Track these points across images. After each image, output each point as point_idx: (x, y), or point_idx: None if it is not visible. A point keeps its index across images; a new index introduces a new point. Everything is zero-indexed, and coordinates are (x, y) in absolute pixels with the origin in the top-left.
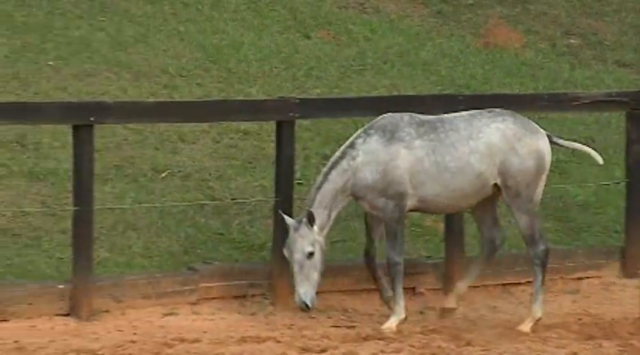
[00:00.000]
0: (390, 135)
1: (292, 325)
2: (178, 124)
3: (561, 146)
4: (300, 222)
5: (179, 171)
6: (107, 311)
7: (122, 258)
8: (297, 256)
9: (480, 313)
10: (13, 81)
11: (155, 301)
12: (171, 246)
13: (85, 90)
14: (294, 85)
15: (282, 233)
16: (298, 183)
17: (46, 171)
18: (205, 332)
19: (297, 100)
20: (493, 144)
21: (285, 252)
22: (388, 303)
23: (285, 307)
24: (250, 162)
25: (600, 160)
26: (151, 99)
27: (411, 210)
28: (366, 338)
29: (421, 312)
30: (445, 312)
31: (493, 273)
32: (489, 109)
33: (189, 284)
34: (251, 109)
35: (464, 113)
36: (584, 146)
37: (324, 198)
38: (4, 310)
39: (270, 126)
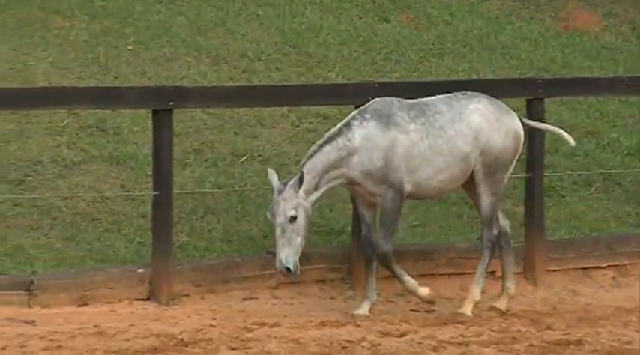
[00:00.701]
0: (387, 120)
1: (372, 309)
2: (257, 109)
3: (531, 127)
4: (285, 184)
5: (258, 155)
6: (187, 296)
7: (201, 242)
8: (279, 219)
9: (560, 297)
10: (93, 65)
11: (235, 285)
12: (250, 231)
13: (164, 75)
14: (374, 68)
15: (357, 217)
16: None
17: (125, 155)
18: (285, 316)
19: (377, 84)
20: (476, 124)
21: (268, 215)
22: (370, 300)
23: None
24: None
25: (572, 142)
26: (230, 84)
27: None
28: (445, 322)
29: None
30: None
31: (573, 257)
32: (462, 92)
33: (269, 269)
34: (330, 93)
35: (439, 96)
36: (555, 127)
37: (315, 166)
38: (84, 294)
39: (350, 110)
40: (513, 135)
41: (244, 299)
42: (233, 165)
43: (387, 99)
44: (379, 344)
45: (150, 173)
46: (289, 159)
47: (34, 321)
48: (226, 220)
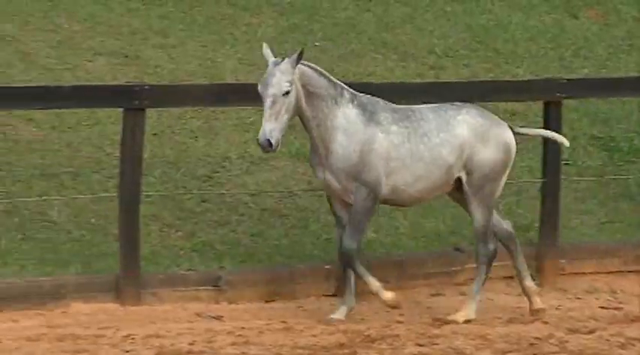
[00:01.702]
0: (370, 116)
1: (560, 306)
2: None
3: (525, 135)
4: (282, 59)
5: None
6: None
7: (388, 238)
8: (272, 90)
9: None
10: None
11: (421, 281)
12: (437, 227)
13: (352, 71)
14: (562, 64)
15: (548, 213)
16: (565, 164)
17: None
18: None
19: (565, 80)
20: (462, 136)
21: (259, 88)
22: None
23: (552, 288)
24: (518, 143)
25: (566, 143)
26: (418, 80)
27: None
28: (634, 320)
29: None
30: (536, 313)
31: None
32: (451, 103)
33: (456, 265)
34: (518, 89)
35: (428, 105)
36: (547, 131)
37: (318, 80)
38: (271, 290)
39: (538, 106)
40: (503, 148)
41: (431, 295)
42: None
43: (373, 98)
44: (567, 341)
45: None
46: None
47: (221, 317)
48: (413, 217)
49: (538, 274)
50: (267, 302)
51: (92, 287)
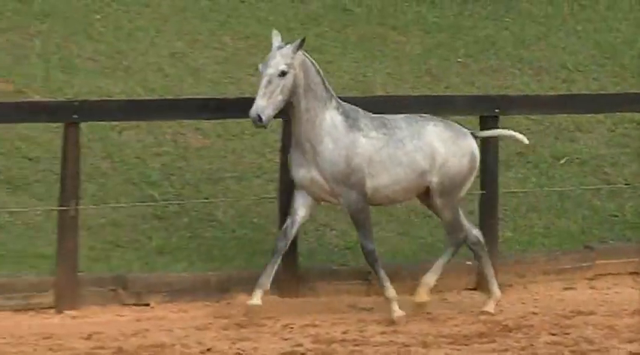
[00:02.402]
0: (352, 123)
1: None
2: (576, 115)
3: (486, 137)
4: (287, 44)
5: (577, 158)
6: (510, 286)
7: (524, 237)
8: (270, 70)
9: None
10: (426, 76)
11: (555, 276)
12: (569, 227)
13: (491, 85)
14: None
15: None
16: None
17: None
18: (601, 305)
19: None
20: (433, 145)
21: (260, 67)
22: (262, 287)
23: None
24: None
25: (525, 140)
26: (551, 93)
27: None
28: None
29: None
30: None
31: None
32: (419, 114)
33: (587, 261)
34: None
35: (398, 115)
36: (506, 130)
37: (315, 78)
38: (416, 284)
39: None
40: (469, 157)
41: (564, 289)
42: (553, 167)
43: (353, 106)
44: None
45: (478, 174)
46: (605, 161)
47: (371, 308)
48: (547, 217)
49: None
50: (411, 295)
51: (255, 281)
